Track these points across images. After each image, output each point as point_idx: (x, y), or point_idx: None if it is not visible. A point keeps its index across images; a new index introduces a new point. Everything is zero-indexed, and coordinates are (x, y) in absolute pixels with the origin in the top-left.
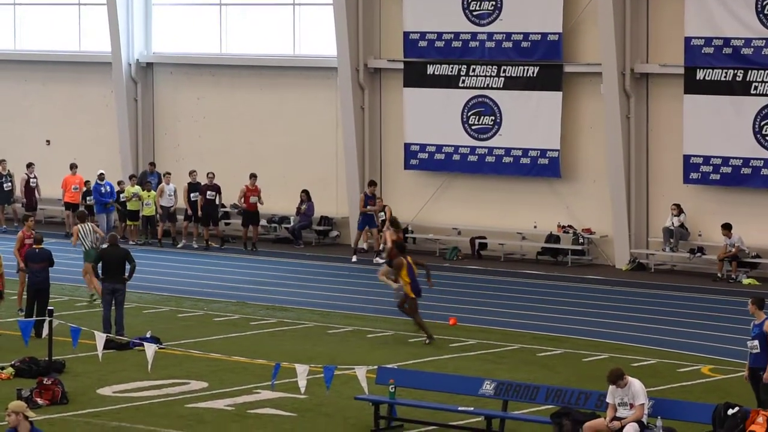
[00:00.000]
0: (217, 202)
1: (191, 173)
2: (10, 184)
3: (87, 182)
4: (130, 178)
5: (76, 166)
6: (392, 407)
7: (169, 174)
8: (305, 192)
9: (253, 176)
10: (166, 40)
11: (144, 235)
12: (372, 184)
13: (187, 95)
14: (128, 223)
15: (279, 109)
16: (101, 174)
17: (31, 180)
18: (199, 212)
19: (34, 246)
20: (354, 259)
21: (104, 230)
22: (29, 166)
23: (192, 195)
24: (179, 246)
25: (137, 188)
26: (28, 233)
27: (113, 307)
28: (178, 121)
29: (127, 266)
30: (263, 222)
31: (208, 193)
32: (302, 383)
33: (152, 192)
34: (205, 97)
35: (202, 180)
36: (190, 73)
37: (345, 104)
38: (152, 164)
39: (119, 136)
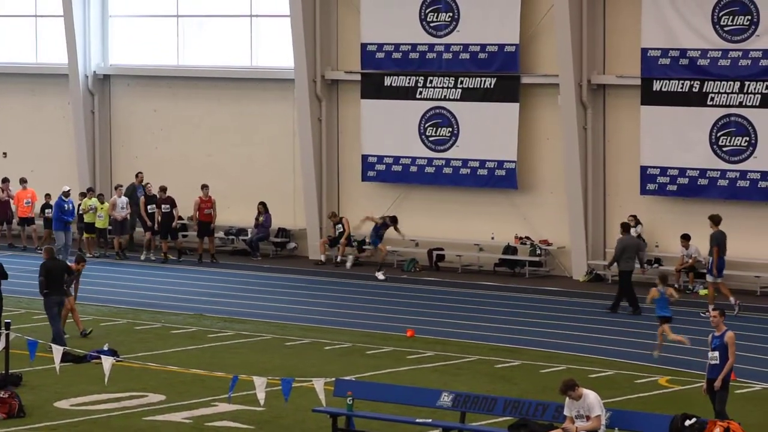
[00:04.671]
0: (174, 214)
1: (146, 185)
2: None
3: (47, 195)
4: (88, 191)
5: (26, 181)
6: (350, 419)
7: (122, 186)
8: (262, 204)
9: (205, 187)
10: (123, 52)
11: (100, 247)
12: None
13: (145, 107)
14: (85, 235)
15: (236, 120)
16: (67, 191)
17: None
18: (156, 225)
19: None
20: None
21: (63, 247)
22: (4, 181)
23: (149, 207)
24: (143, 258)
25: (94, 200)
26: None
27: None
28: (135, 133)
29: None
30: (221, 234)
31: (163, 206)
32: (261, 395)
33: (105, 204)
34: (162, 109)
35: (156, 192)
36: (147, 84)
37: (302, 116)
38: (138, 175)
39: (76, 149)
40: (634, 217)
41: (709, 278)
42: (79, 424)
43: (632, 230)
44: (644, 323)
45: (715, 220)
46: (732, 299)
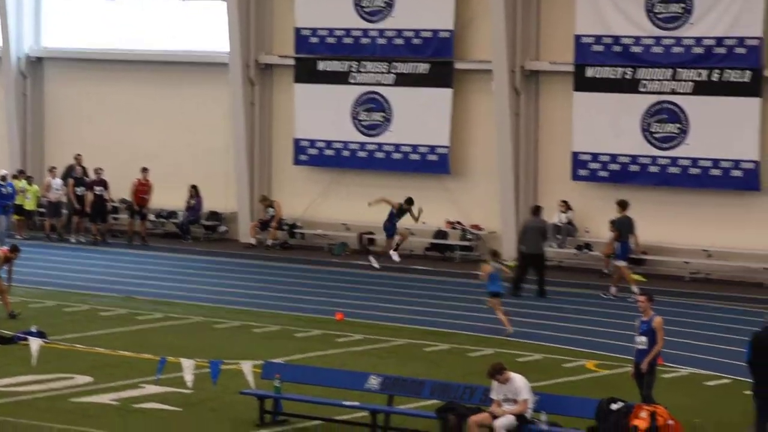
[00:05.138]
0: (106, 197)
1: (78, 167)
2: None
3: None
4: (18, 173)
5: None
6: (277, 402)
7: (55, 168)
8: (194, 187)
9: (145, 170)
10: (57, 35)
11: (29, 229)
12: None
13: (78, 90)
14: (15, 217)
15: (169, 104)
16: (3, 175)
17: None
18: (87, 208)
19: None
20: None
21: (4, 230)
22: None
23: (78, 189)
24: (73, 241)
25: (23, 182)
26: None
27: None
28: (68, 115)
29: None
30: (152, 217)
31: (96, 188)
32: (189, 378)
33: (34, 186)
34: (95, 92)
35: (89, 174)
36: (80, 67)
37: (235, 100)
38: (76, 157)
39: (8, 131)
40: (565, 202)
41: (616, 263)
42: (4, 406)
43: (562, 215)
44: (574, 308)
45: (622, 204)
46: (635, 288)
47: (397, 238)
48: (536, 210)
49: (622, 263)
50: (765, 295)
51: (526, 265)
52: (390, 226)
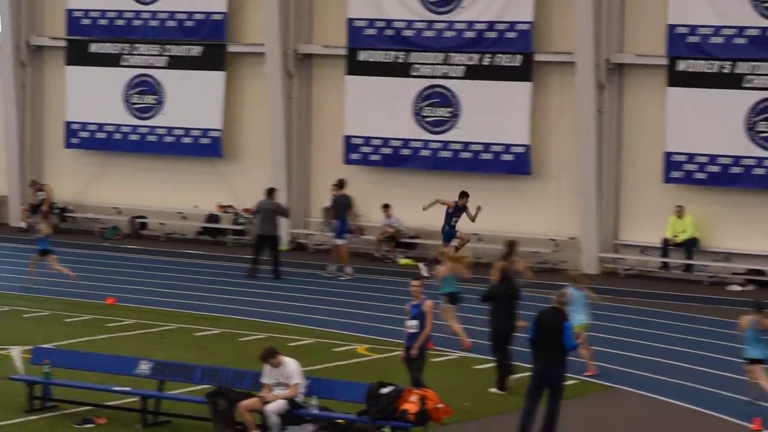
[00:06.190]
0: None
1: None
2: None
3: None
4: None
5: None
6: (47, 388)
7: None
8: None
9: None
10: None
11: None
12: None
13: None
14: None
15: None
16: None
17: None
18: None
19: None
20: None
21: None
22: None
23: None
24: None
25: None
26: None
27: None
28: None
29: None
30: None
31: None
32: None
33: None
34: None
35: None
36: None
37: (6, 82)
38: None
39: None
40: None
41: (335, 241)
42: None
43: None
44: (349, 292)
45: (340, 184)
46: (348, 268)
47: (456, 242)
48: (270, 192)
49: (340, 241)
50: (537, 279)
51: (261, 247)
52: (450, 231)
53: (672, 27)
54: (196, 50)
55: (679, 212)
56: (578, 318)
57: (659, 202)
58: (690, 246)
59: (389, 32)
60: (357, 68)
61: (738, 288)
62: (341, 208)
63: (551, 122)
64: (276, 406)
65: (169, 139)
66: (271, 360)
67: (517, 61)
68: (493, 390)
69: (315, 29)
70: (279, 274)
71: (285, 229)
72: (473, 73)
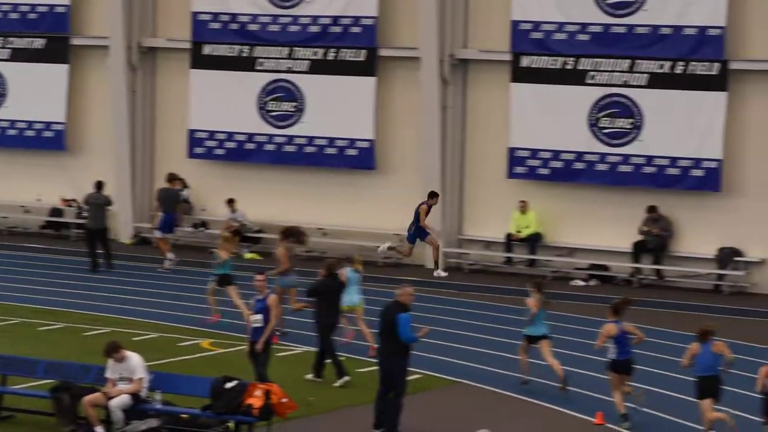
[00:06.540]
0: None
1: None
2: None
3: None
4: None
5: None
6: None
7: None
8: None
9: None
10: None
11: None
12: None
13: None
14: None
15: None
16: None
17: None
18: None
19: None
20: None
21: None
22: None
23: None
24: None
25: None
26: None
27: None
28: None
29: None
30: None
31: None
32: None
33: None
34: None
35: None
36: None
37: None
38: None
39: None
40: (182, 180)
41: (155, 233)
42: None
43: (180, 193)
44: (192, 287)
45: (170, 177)
46: (170, 256)
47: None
48: (98, 185)
49: (159, 234)
50: (381, 273)
51: (92, 241)
52: (416, 230)
53: (516, 23)
54: (38, 43)
55: (523, 207)
56: (352, 299)
57: (503, 198)
58: (533, 241)
59: (234, 26)
60: (201, 62)
61: (581, 283)
62: (167, 201)
63: (396, 117)
64: (120, 401)
65: (12, 132)
66: (114, 354)
67: (361, 55)
68: (310, 376)
69: (159, 22)
70: (111, 266)
71: (128, 223)
72: (318, 67)
